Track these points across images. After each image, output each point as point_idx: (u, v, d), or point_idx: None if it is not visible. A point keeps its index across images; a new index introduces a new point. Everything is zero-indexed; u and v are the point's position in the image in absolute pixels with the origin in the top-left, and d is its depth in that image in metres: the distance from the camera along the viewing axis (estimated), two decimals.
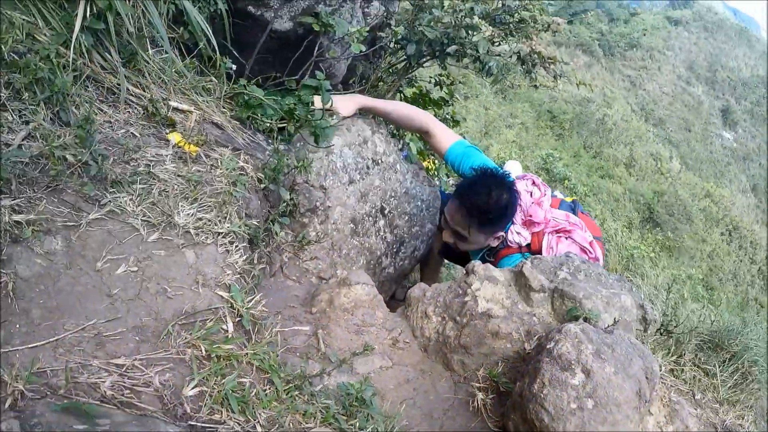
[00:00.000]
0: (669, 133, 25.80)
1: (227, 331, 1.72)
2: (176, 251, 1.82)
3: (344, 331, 2.12)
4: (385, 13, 3.50)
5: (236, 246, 1.99)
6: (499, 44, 3.87)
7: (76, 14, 2.01)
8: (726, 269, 17.70)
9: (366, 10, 3.29)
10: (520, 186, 3.11)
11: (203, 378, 1.53)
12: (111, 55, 2.19)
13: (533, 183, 3.21)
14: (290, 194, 2.46)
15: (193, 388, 1.49)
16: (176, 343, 1.59)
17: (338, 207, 2.72)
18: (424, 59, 3.91)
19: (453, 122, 4.98)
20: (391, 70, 4.24)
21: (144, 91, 2.27)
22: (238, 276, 1.92)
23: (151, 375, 1.47)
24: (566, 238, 2.99)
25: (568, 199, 3.37)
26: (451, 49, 3.63)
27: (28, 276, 1.53)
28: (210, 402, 1.48)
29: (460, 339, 2.12)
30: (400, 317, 2.32)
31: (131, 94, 2.22)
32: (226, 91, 2.64)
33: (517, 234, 3.03)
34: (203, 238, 1.90)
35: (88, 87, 2.12)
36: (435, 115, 4.70)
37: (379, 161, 2.99)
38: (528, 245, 3.05)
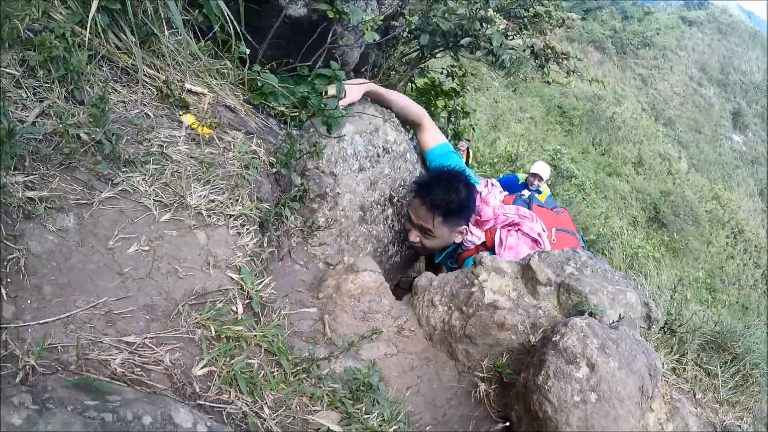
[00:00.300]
0: (678, 133, 25.67)
1: (237, 312, 1.73)
2: (188, 232, 1.83)
3: (350, 317, 2.13)
4: (399, 3, 3.50)
5: (247, 229, 2.00)
6: (513, 38, 3.86)
7: None
8: (730, 272, 17.66)
9: None
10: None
11: (212, 358, 1.54)
12: (126, 36, 2.19)
13: (485, 185, 3.27)
14: (301, 179, 2.47)
15: (202, 368, 1.51)
16: (186, 322, 1.60)
17: (347, 194, 2.72)
18: (438, 50, 3.90)
19: (463, 113, 4.98)
20: (403, 59, 4.24)
21: (158, 72, 2.27)
22: (249, 258, 1.93)
23: (161, 353, 1.49)
24: (516, 230, 3.03)
25: (526, 194, 3.47)
26: (465, 41, 3.62)
27: (39, 252, 1.54)
28: (218, 382, 1.49)
29: (466, 329, 2.13)
30: (406, 305, 2.33)
31: (146, 75, 2.22)
32: (239, 76, 2.64)
33: (471, 234, 3.10)
34: (215, 219, 1.91)
35: (102, 67, 2.12)
36: (445, 106, 4.71)
37: (390, 150, 2.99)
38: (483, 243, 3.11)
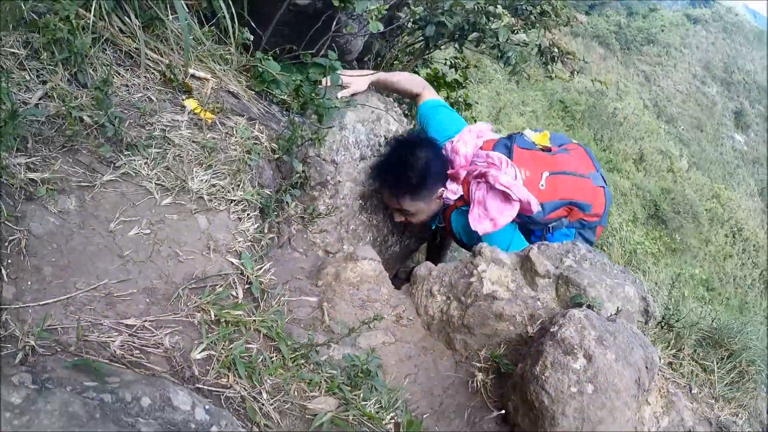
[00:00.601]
0: (680, 131, 25.62)
1: (236, 297, 1.74)
2: (189, 216, 1.83)
3: (349, 306, 2.13)
4: None
5: (248, 214, 2.00)
6: (517, 33, 3.85)
7: None
8: (728, 271, 17.66)
9: None
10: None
11: (211, 342, 1.55)
12: (130, 19, 2.19)
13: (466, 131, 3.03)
14: (302, 167, 2.47)
15: (201, 352, 1.51)
16: (186, 306, 1.61)
17: (348, 182, 2.73)
18: (443, 42, 3.89)
19: (465, 105, 4.97)
20: (407, 50, 4.23)
21: (162, 56, 2.27)
22: (249, 243, 1.94)
23: (160, 336, 1.49)
24: (484, 182, 2.82)
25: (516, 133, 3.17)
26: (473, 36, 3.62)
27: (40, 234, 1.54)
28: (217, 366, 1.50)
29: (464, 319, 2.13)
30: (405, 294, 2.34)
31: (149, 59, 2.22)
32: (242, 62, 2.64)
33: (448, 190, 2.92)
34: (216, 204, 1.92)
35: (106, 50, 2.12)
36: (447, 97, 4.70)
37: None
38: (461, 197, 2.92)
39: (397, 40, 4.12)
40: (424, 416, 1.85)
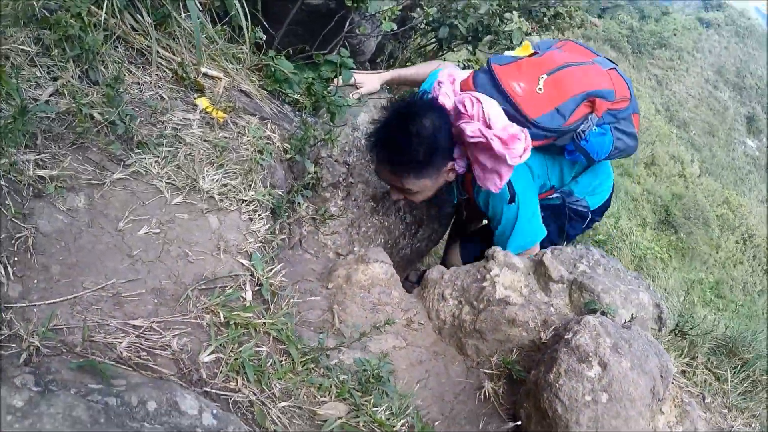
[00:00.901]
0: (692, 136, 25.50)
1: (246, 299, 1.71)
2: (199, 216, 1.81)
3: (360, 309, 2.11)
4: None
5: (259, 214, 1.98)
6: (531, 35, 3.84)
7: None
8: (738, 277, 17.55)
9: None
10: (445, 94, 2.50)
11: (220, 345, 1.52)
12: (142, 17, 2.18)
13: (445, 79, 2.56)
14: (314, 167, 2.45)
15: (209, 354, 1.49)
16: (195, 307, 1.59)
17: (360, 184, 2.70)
18: (456, 43, 3.88)
19: None
20: (420, 51, 4.21)
21: (174, 54, 2.26)
22: (260, 244, 1.91)
23: (168, 338, 1.47)
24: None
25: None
26: (486, 39, 3.61)
27: (48, 231, 1.52)
28: (226, 369, 1.48)
29: (476, 324, 2.10)
30: (416, 298, 2.31)
31: (161, 57, 2.21)
32: (255, 61, 2.62)
33: (457, 160, 2.53)
34: (227, 204, 1.90)
35: (117, 47, 2.11)
36: None
37: None
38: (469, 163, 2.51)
39: (409, 41, 4.12)
40: (435, 423, 1.82)
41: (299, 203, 2.40)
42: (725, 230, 19.56)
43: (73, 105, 1.75)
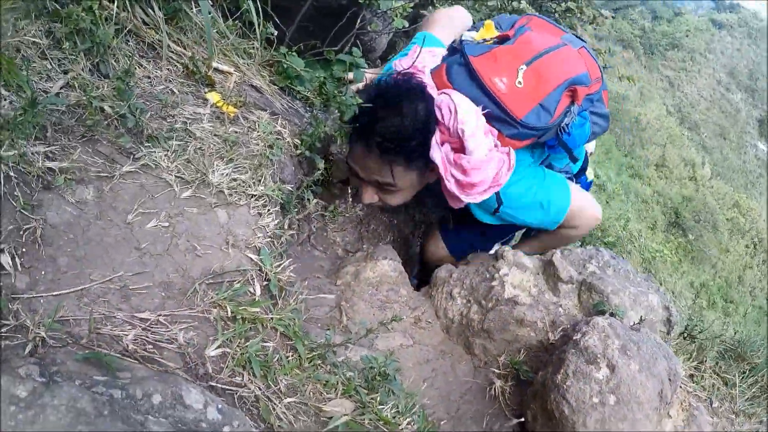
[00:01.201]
0: (703, 138, 25.37)
1: (254, 293, 1.71)
2: (208, 210, 1.80)
3: (368, 306, 2.10)
4: None
5: (268, 210, 1.97)
6: None
7: None
8: (747, 282, 17.46)
9: None
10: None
11: (227, 339, 1.52)
12: (153, 11, 2.17)
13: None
14: (324, 164, 2.44)
15: (216, 349, 1.48)
16: (202, 301, 1.58)
17: None
18: None
19: None
20: None
21: (185, 49, 2.25)
22: (269, 240, 1.91)
23: (174, 332, 1.46)
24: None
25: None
26: None
27: (57, 223, 1.52)
28: (232, 364, 1.47)
29: (484, 323, 2.10)
30: (424, 296, 2.31)
31: (172, 52, 2.20)
32: (266, 57, 2.62)
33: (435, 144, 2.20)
34: (236, 198, 1.89)
35: (129, 41, 2.10)
36: None
37: None
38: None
39: None
40: (441, 422, 1.82)
41: (308, 199, 2.39)
42: (735, 234, 19.47)
43: (84, 98, 1.74)
